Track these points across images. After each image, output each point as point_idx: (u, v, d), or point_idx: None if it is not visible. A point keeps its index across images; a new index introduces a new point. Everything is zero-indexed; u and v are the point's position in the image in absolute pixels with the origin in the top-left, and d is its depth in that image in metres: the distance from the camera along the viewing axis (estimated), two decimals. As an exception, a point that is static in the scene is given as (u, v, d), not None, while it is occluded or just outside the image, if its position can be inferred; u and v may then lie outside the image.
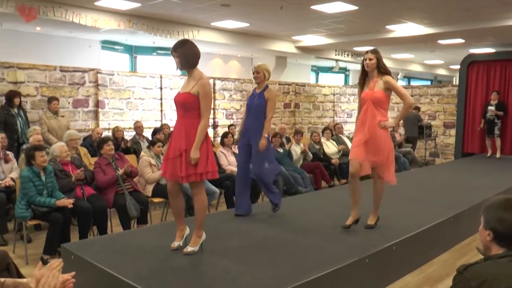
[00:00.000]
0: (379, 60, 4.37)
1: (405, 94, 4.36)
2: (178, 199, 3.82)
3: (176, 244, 3.81)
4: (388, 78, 4.32)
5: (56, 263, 2.27)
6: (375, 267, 3.92)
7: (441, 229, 4.97)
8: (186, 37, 11.87)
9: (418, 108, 12.31)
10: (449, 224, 5.12)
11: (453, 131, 12.17)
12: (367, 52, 4.44)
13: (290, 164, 7.90)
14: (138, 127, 8.16)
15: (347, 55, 16.52)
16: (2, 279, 2.37)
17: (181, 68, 3.68)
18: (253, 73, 5.00)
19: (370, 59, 4.37)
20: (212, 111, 10.47)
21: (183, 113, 3.65)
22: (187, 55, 3.63)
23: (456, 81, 21.35)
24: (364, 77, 4.47)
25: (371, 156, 4.33)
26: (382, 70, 4.36)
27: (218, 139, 9.27)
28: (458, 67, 12.33)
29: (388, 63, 20.09)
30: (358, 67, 23.39)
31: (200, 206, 3.74)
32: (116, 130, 7.85)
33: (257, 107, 4.92)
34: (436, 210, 5.37)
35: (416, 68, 21.56)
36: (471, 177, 7.82)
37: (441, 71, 23.79)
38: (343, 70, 20.69)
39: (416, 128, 11.57)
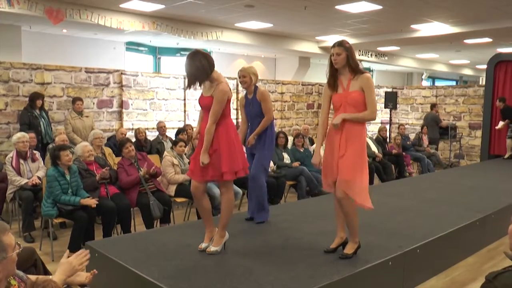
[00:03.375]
0: (349, 54, 3.53)
1: (373, 107, 3.52)
2: (203, 201, 3.82)
3: (203, 245, 3.81)
4: (368, 77, 3.54)
5: (84, 252, 2.57)
6: (399, 270, 3.87)
7: (467, 232, 4.88)
8: (210, 38, 11.95)
9: (433, 105, 11.96)
10: (475, 227, 5.02)
11: (478, 132, 11.93)
12: (333, 45, 3.58)
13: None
14: (160, 127, 8.23)
15: (371, 55, 16.40)
16: (34, 277, 2.43)
17: (190, 85, 3.57)
18: (239, 77, 4.66)
19: (338, 54, 3.52)
20: (235, 111, 10.49)
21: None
22: (194, 73, 3.51)
23: (482, 81, 20.96)
24: (334, 76, 3.64)
25: (341, 171, 3.54)
26: (354, 67, 3.54)
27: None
28: (484, 67, 12.09)
29: (412, 63, 19.88)
30: (383, 67, 23.23)
31: (227, 206, 3.74)
32: (138, 132, 7.94)
33: (255, 114, 4.67)
34: (461, 213, 5.27)
35: (441, 68, 21.26)
36: (498, 180, 7.65)
37: (467, 71, 23.40)
38: (367, 70, 20.56)
39: (436, 129, 11.37)
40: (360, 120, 3.57)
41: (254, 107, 4.66)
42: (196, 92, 10.08)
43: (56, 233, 5.57)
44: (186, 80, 3.60)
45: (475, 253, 5.03)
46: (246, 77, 4.62)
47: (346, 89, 3.57)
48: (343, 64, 3.54)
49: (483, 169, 9.37)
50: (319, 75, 17.17)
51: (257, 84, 4.75)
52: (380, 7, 9.52)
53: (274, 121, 4.97)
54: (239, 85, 10.95)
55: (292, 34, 13.39)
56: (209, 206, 3.85)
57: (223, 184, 3.72)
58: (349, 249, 3.72)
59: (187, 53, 3.63)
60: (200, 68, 3.49)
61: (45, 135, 7.07)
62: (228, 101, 3.63)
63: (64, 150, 4.96)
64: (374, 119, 3.65)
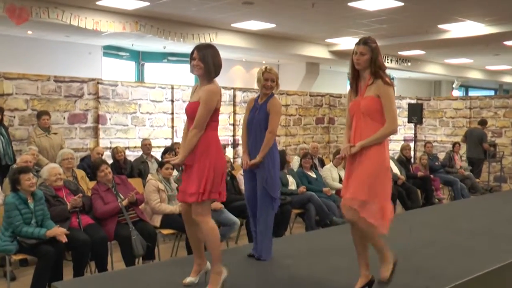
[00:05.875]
0: (373, 56, 3.55)
1: (392, 117, 3.54)
2: (194, 228, 3.77)
3: (188, 279, 3.76)
4: (382, 83, 3.56)
5: None
6: (429, 315, 3.81)
7: None
8: (202, 41, 12.03)
9: (484, 123, 11.85)
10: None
11: (525, 151, 11.93)
12: (358, 42, 3.60)
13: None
14: (145, 145, 8.18)
15: (391, 60, 16.47)
16: None
17: (198, 73, 3.65)
18: (266, 80, 4.51)
19: (362, 54, 3.54)
20: (232, 127, 10.49)
21: None
22: (211, 63, 3.61)
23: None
24: (357, 79, 3.69)
25: (353, 191, 3.57)
26: (376, 69, 3.58)
27: (239, 161, 9.22)
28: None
29: (440, 69, 19.89)
30: (404, 74, 23.36)
31: (212, 236, 3.65)
32: (116, 152, 7.90)
33: (259, 123, 4.57)
34: (504, 247, 5.19)
35: (475, 75, 21.35)
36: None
37: (508, 79, 23.48)
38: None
39: (480, 148, 11.28)
40: (381, 140, 3.57)
41: (260, 114, 4.59)
42: (185, 105, 10.08)
43: (14, 272, 5.49)
44: (195, 68, 3.68)
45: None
46: (275, 82, 4.56)
47: (361, 95, 3.62)
48: (366, 66, 3.57)
49: (529, 194, 9.32)
50: (330, 84, 17.29)
51: (273, 92, 4.68)
52: (401, 3, 9.58)
53: (277, 138, 4.91)
54: (237, 96, 11.05)
55: (298, 36, 13.48)
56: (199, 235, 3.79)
57: (196, 208, 3.60)
58: (384, 271, 3.70)
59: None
60: (214, 62, 3.60)
61: (4, 156, 7.01)
62: (217, 110, 3.63)
63: (25, 173, 4.92)
64: (396, 131, 3.64)
